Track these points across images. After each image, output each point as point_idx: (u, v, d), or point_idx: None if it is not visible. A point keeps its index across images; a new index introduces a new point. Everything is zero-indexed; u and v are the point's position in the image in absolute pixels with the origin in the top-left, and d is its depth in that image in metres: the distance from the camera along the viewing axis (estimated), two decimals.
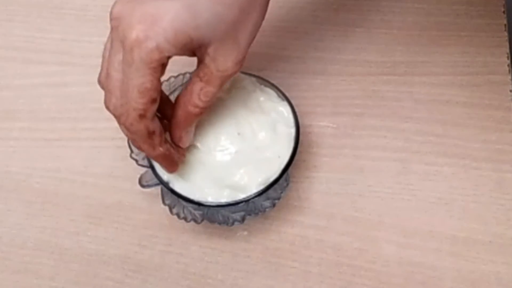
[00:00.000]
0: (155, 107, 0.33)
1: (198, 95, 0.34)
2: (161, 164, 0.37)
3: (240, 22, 0.33)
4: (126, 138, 0.40)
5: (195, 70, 0.34)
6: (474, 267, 0.39)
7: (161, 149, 0.35)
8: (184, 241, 0.41)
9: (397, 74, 0.46)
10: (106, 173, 0.44)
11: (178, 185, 0.38)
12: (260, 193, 0.37)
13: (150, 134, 0.34)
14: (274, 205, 0.40)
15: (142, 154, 0.40)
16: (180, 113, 0.35)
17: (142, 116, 0.33)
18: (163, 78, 0.42)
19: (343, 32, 0.49)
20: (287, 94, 0.40)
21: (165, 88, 0.42)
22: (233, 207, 0.38)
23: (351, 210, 0.41)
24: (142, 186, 0.40)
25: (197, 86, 0.34)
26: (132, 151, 0.40)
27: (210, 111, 0.40)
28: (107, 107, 0.34)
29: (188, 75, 0.43)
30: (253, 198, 0.37)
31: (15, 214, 0.43)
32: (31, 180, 0.44)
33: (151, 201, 0.42)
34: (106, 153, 0.45)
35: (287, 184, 0.40)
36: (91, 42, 0.50)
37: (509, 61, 0.46)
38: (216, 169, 0.38)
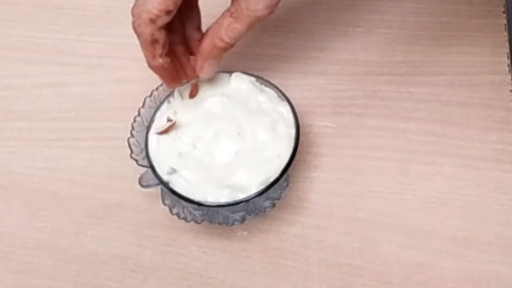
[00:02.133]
0: (167, 18, 0.35)
1: (226, 29, 0.36)
2: (159, 76, 0.38)
3: None
4: (126, 138, 0.41)
5: (229, 7, 0.36)
6: (474, 267, 0.39)
7: (160, 60, 0.37)
8: (184, 241, 0.41)
9: (397, 74, 0.46)
10: (106, 173, 0.44)
11: (178, 185, 0.38)
12: (260, 193, 0.37)
13: (153, 41, 0.36)
14: (274, 205, 0.40)
15: (142, 154, 0.40)
16: (206, 43, 0.37)
17: (152, 21, 0.35)
18: None
19: (343, 32, 0.49)
20: (287, 94, 0.40)
21: (164, 88, 0.42)
22: (233, 207, 0.38)
23: (351, 210, 0.41)
24: (142, 186, 0.40)
25: (226, 20, 0.36)
26: (132, 151, 0.40)
27: (210, 111, 0.40)
28: (132, 9, 0.36)
29: None
30: (253, 198, 0.37)
31: (15, 214, 0.43)
32: (31, 180, 0.44)
33: (151, 201, 0.42)
34: (106, 153, 0.45)
35: (287, 184, 0.40)
36: (91, 42, 0.50)
37: (509, 61, 0.46)
38: (216, 169, 0.38)
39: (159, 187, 0.39)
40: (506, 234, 0.40)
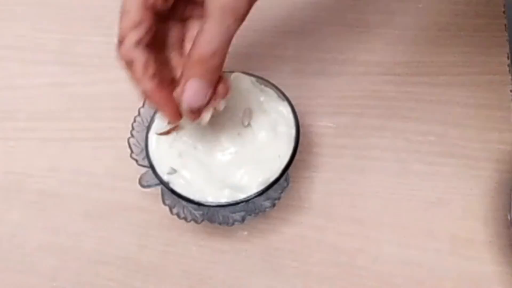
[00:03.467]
0: (136, 35, 0.30)
1: (199, 36, 0.30)
2: (155, 105, 0.33)
3: None
4: (126, 138, 0.41)
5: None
6: (474, 267, 0.39)
7: (145, 84, 0.31)
8: (184, 241, 0.41)
9: (397, 74, 0.46)
10: (106, 173, 0.44)
11: (178, 185, 0.38)
12: (260, 193, 0.37)
13: (129, 63, 0.31)
14: (274, 205, 0.40)
15: (142, 154, 0.40)
16: (185, 59, 0.31)
17: (121, 42, 0.31)
18: None
19: (343, 32, 0.49)
20: (287, 94, 0.40)
21: None
22: (233, 207, 0.38)
23: (351, 210, 0.41)
24: (142, 186, 0.40)
25: (199, 28, 0.30)
26: (132, 151, 0.40)
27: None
28: None
29: None
30: (253, 198, 0.37)
31: (15, 214, 0.43)
32: (31, 180, 0.44)
33: (151, 201, 0.42)
34: (106, 153, 0.45)
35: (287, 184, 0.40)
36: (91, 42, 0.50)
37: (509, 61, 0.46)
38: (216, 169, 0.38)
39: (159, 187, 0.39)
40: (506, 234, 0.40)
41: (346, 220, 0.41)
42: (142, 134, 0.40)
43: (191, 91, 0.31)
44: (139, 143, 0.41)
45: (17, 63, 0.50)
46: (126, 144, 0.40)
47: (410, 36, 0.48)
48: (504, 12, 0.48)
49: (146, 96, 0.32)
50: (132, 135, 0.41)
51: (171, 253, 0.41)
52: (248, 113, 0.39)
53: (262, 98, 0.40)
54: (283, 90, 0.41)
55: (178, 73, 0.33)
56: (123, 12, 0.30)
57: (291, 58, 0.48)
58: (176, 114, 0.33)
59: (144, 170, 0.40)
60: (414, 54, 0.47)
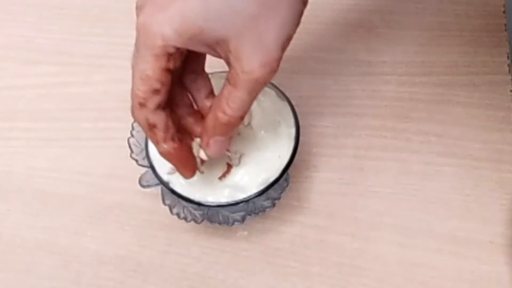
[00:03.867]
0: (157, 99, 0.31)
1: (227, 99, 0.31)
2: (171, 163, 0.34)
3: (261, 18, 0.29)
4: (126, 138, 0.41)
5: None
6: (474, 267, 0.39)
7: (165, 146, 0.33)
8: (184, 241, 0.41)
9: (397, 74, 0.46)
10: (106, 173, 0.44)
11: (178, 185, 0.38)
12: (260, 193, 0.37)
13: (151, 126, 0.32)
14: (274, 205, 0.40)
15: (142, 154, 0.40)
16: (210, 118, 0.32)
17: (141, 105, 0.31)
18: None
19: (343, 32, 0.49)
20: (287, 94, 0.40)
21: None
22: (233, 207, 0.38)
23: (351, 210, 0.41)
24: (142, 186, 0.40)
25: (226, 90, 0.31)
26: (132, 151, 0.40)
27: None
28: None
29: None
30: (253, 198, 0.37)
31: (15, 214, 0.43)
32: (31, 180, 0.44)
33: (151, 201, 0.42)
34: (106, 153, 0.45)
35: (287, 184, 0.40)
36: (91, 42, 0.50)
37: (509, 61, 0.46)
38: (216, 169, 0.38)
39: (159, 187, 0.39)
40: (506, 234, 0.40)
41: (346, 220, 0.41)
42: (142, 134, 0.40)
43: (216, 147, 0.33)
44: (139, 143, 0.41)
45: (17, 63, 0.50)
46: (126, 144, 0.40)
47: (410, 36, 0.48)
48: (504, 12, 0.48)
49: (167, 156, 0.34)
50: (132, 135, 0.41)
51: (171, 253, 0.41)
52: (248, 113, 0.39)
53: (262, 98, 0.40)
54: (283, 90, 0.41)
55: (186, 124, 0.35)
56: (142, 76, 0.30)
57: (291, 58, 0.48)
58: (194, 171, 0.35)
59: (144, 170, 0.40)
60: (414, 54, 0.47)
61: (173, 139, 0.33)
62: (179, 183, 0.38)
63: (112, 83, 0.48)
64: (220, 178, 0.37)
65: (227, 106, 0.31)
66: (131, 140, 0.41)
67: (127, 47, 0.50)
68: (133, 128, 0.41)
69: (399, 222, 0.41)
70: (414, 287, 0.38)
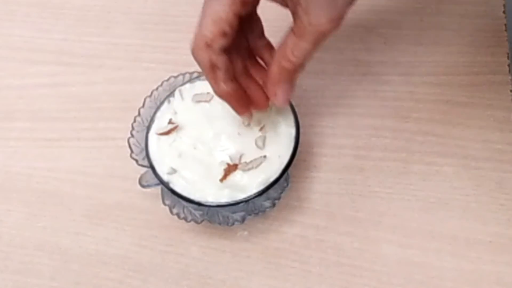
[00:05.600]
0: (223, 41, 0.33)
1: (291, 49, 0.33)
2: (227, 102, 0.36)
3: None
4: (126, 138, 0.41)
5: (292, 25, 0.33)
6: (474, 267, 0.39)
7: (224, 86, 0.34)
8: (184, 241, 0.41)
9: (397, 74, 0.46)
10: (106, 173, 0.44)
11: (178, 185, 0.38)
12: (260, 193, 0.37)
13: (213, 67, 0.33)
14: (274, 205, 0.40)
15: (142, 154, 0.40)
16: (274, 66, 0.34)
17: (208, 46, 0.33)
18: (163, 78, 0.43)
19: (343, 32, 0.49)
20: None
21: (164, 88, 0.42)
22: (233, 207, 0.38)
23: (351, 210, 0.41)
24: (142, 186, 0.40)
25: (291, 40, 0.33)
26: (132, 151, 0.40)
27: (210, 111, 0.40)
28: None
29: (187, 75, 0.43)
30: (253, 198, 0.37)
31: (15, 214, 0.43)
32: (31, 180, 0.44)
33: (151, 201, 0.42)
34: (106, 153, 0.45)
35: (287, 184, 0.40)
36: (91, 42, 0.50)
37: (509, 61, 0.46)
38: (216, 169, 0.38)
39: (159, 187, 0.39)
40: (506, 234, 0.40)
41: (346, 220, 0.41)
42: (142, 134, 0.40)
43: (283, 95, 0.35)
44: (139, 143, 0.41)
45: (17, 63, 0.50)
46: (126, 144, 0.40)
47: (410, 36, 0.48)
48: (504, 12, 0.48)
49: (225, 96, 0.35)
50: (132, 135, 0.41)
51: (171, 253, 0.41)
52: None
53: None
54: None
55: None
56: (215, 18, 0.32)
57: None
58: (249, 108, 0.37)
59: (144, 170, 0.40)
60: (414, 54, 0.47)
61: (231, 80, 0.35)
62: (179, 183, 0.38)
63: (112, 83, 0.48)
64: (221, 180, 0.37)
65: (291, 54, 0.33)
66: (131, 140, 0.41)
67: (127, 47, 0.51)
68: (133, 128, 0.41)
69: (399, 222, 0.41)
70: (414, 287, 0.38)
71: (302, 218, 0.41)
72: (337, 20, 0.32)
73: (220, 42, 0.33)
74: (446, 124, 0.44)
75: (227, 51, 0.34)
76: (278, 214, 0.41)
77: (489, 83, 0.45)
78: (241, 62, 0.37)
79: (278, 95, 0.35)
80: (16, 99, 0.48)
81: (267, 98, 0.37)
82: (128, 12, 0.52)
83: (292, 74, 0.34)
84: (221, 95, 0.35)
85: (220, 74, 0.34)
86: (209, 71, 0.34)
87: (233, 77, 0.35)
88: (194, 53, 0.34)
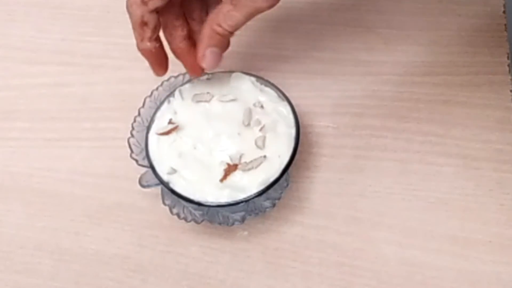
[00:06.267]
0: (158, 3, 0.35)
1: (224, 16, 0.35)
2: (147, 60, 0.38)
3: None
4: (126, 138, 0.41)
5: None
6: (474, 267, 0.39)
7: (148, 43, 0.37)
8: (184, 241, 0.41)
9: (397, 74, 0.46)
10: (106, 173, 0.44)
11: (178, 185, 0.38)
12: (260, 193, 0.37)
13: (143, 24, 0.36)
14: (274, 205, 0.40)
15: (142, 154, 0.40)
16: (206, 29, 0.37)
17: (143, 2, 0.35)
18: (164, 78, 0.43)
19: (343, 32, 0.49)
20: (287, 94, 0.40)
21: (164, 88, 0.42)
22: (233, 207, 0.38)
23: (351, 210, 0.41)
24: (142, 186, 0.40)
25: (226, 7, 0.35)
26: (132, 151, 0.40)
27: (210, 111, 0.40)
28: None
29: (188, 75, 0.43)
30: (253, 198, 0.37)
31: (15, 214, 0.43)
32: (31, 180, 0.44)
33: (151, 201, 0.42)
34: (106, 153, 0.45)
35: (287, 184, 0.40)
36: (91, 42, 0.50)
37: (509, 61, 0.46)
38: (216, 169, 0.38)
39: (159, 187, 0.39)
40: (506, 234, 0.40)
41: (346, 220, 0.41)
42: (142, 134, 0.40)
43: (211, 58, 0.37)
44: (139, 143, 0.41)
45: (17, 63, 0.50)
46: (126, 144, 0.40)
47: (410, 36, 0.48)
48: (504, 12, 0.48)
49: (146, 53, 0.38)
50: (132, 135, 0.41)
51: (171, 253, 0.41)
52: (248, 113, 0.39)
53: (262, 98, 0.40)
54: (283, 90, 0.41)
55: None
56: None
57: (291, 58, 0.48)
58: (166, 69, 0.39)
59: (144, 170, 0.40)
60: (414, 54, 0.47)
61: (155, 40, 0.37)
62: (179, 183, 0.38)
63: (112, 83, 0.48)
64: (221, 180, 0.37)
65: (223, 21, 0.36)
66: (131, 140, 0.41)
67: (127, 47, 0.50)
68: (133, 128, 0.41)
69: (399, 222, 0.41)
70: (414, 287, 0.38)
71: (302, 218, 0.41)
72: (272, 1, 0.35)
73: (155, 2, 0.35)
74: (446, 124, 0.44)
75: (173, 11, 0.36)
76: (278, 214, 0.41)
77: (489, 83, 0.45)
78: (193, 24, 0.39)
79: (206, 58, 0.37)
80: (16, 99, 0.48)
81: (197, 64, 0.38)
82: None
83: (221, 39, 0.37)
84: (142, 52, 0.37)
85: (148, 31, 0.36)
86: (138, 27, 0.36)
87: (158, 38, 0.37)
88: (128, 6, 0.35)
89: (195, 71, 0.39)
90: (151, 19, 0.36)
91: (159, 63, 0.39)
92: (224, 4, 0.35)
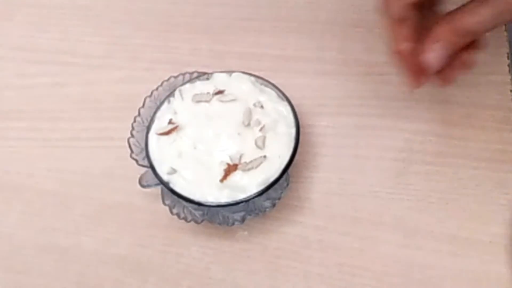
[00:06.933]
0: None
1: (470, 11, 0.30)
2: (402, 66, 0.33)
3: None
4: (126, 138, 0.41)
5: None
6: (474, 267, 0.39)
7: (403, 44, 0.32)
8: (184, 241, 0.41)
9: (397, 74, 0.46)
10: (106, 173, 0.44)
11: (178, 185, 0.38)
12: (260, 193, 0.37)
13: (402, 19, 0.32)
14: (274, 205, 0.40)
15: (142, 154, 0.40)
16: (440, 25, 0.32)
17: None
18: (163, 78, 0.43)
19: (343, 32, 0.49)
20: (287, 94, 0.40)
21: (164, 88, 0.42)
22: (233, 207, 0.38)
23: (351, 210, 0.41)
24: (142, 186, 0.40)
25: (474, 3, 0.30)
26: (132, 151, 0.40)
27: (210, 111, 0.40)
28: None
29: (187, 75, 0.43)
30: (253, 198, 0.37)
31: (15, 214, 0.43)
32: (31, 180, 0.44)
33: (151, 201, 0.42)
34: (106, 153, 0.45)
35: (287, 184, 0.40)
36: (91, 42, 0.50)
37: (509, 61, 0.46)
38: (216, 169, 0.38)
39: (159, 187, 0.39)
40: (506, 234, 0.40)
41: (346, 220, 0.41)
42: (142, 134, 0.41)
43: (433, 54, 0.32)
44: (139, 143, 0.41)
45: (17, 63, 0.50)
46: (126, 144, 0.40)
47: None
48: None
49: (401, 55, 0.33)
50: (132, 135, 0.41)
51: (171, 253, 0.41)
52: (248, 113, 0.39)
53: (262, 98, 0.40)
54: (283, 90, 0.41)
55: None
56: None
57: (291, 58, 0.48)
58: (419, 82, 0.35)
59: (144, 170, 0.40)
60: None
61: (416, 41, 0.32)
62: (179, 183, 0.38)
63: (112, 83, 0.48)
64: (221, 180, 0.37)
65: (469, 16, 0.30)
66: (131, 140, 0.41)
67: (127, 47, 0.51)
68: (133, 128, 0.41)
69: (399, 222, 0.41)
70: (414, 287, 0.38)
71: (302, 218, 0.41)
72: None
73: None
74: (446, 124, 0.44)
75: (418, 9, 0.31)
76: (278, 214, 0.41)
77: (489, 83, 0.45)
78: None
79: (427, 53, 0.32)
80: (16, 99, 0.48)
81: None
82: (128, 12, 0.52)
83: (458, 38, 0.31)
84: (398, 54, 0.33)
85: (406, 29, 0.32)
86: (396, 24, 0.32)
87: (415, 39, 0.32)
88: (384, 3, 0.31)
89: (415, 80, 0.34)
90: (412, 16, 0.31)
91: (413, 70, 0.34)
92: (470, 2, 0.30)
